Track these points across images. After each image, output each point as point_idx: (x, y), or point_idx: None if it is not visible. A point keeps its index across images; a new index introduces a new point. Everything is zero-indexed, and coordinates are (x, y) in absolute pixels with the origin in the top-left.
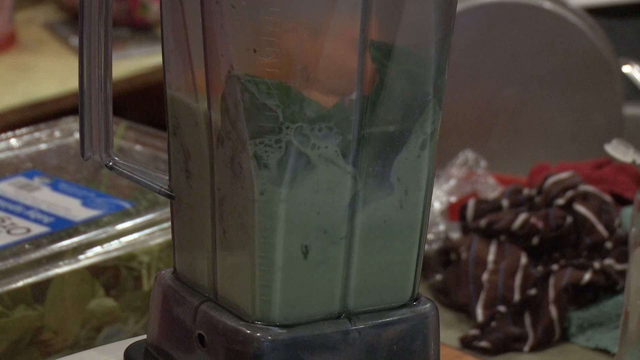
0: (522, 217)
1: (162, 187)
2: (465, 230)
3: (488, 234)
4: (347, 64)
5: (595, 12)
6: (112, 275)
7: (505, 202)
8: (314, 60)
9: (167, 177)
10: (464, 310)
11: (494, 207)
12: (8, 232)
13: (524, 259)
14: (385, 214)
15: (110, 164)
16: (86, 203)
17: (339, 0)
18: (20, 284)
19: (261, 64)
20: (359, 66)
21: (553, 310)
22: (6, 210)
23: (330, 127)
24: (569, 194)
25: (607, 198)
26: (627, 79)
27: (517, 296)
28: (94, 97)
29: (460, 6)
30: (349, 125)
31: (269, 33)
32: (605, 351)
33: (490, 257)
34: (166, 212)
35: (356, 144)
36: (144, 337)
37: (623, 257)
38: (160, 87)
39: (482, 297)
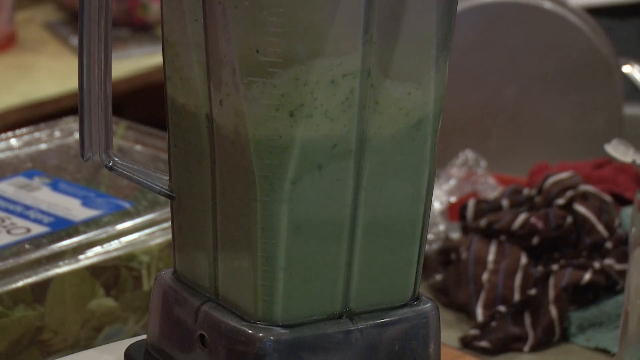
0: (522, 217)
1: (162, 187)
2: (465, 230)
3: (488, 234)
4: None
5: (595, 12)
6: (112, 275)
7: (505, 202)
8: (316, 60)
9: (167, 178)
10: (464, 310)
11: (494, 207)
12: (8, 232)
13: (524, 259)
14: (386, 213)
15: (110, 164)
16: (86, 203)
17: (342, 0)
18: (20, 284)
19: (264, 64)
20: (362, 65)
21: (553, 310)
22: (6, 210)
23: (333, 126)
24: (569, 194)
25: (607, 198)
26: (627, 79)
27: (517, 296)
28: (93, 97)
29: (460, 6)
30: (352, 122)
31: (272, 33)
32: (605, 351)
33: (490, 257)
34: (166, 212)
35: (359, 141)
36: (144, 337)
37: (623, 257)
38: (160, 87)
39: (482, 297)
